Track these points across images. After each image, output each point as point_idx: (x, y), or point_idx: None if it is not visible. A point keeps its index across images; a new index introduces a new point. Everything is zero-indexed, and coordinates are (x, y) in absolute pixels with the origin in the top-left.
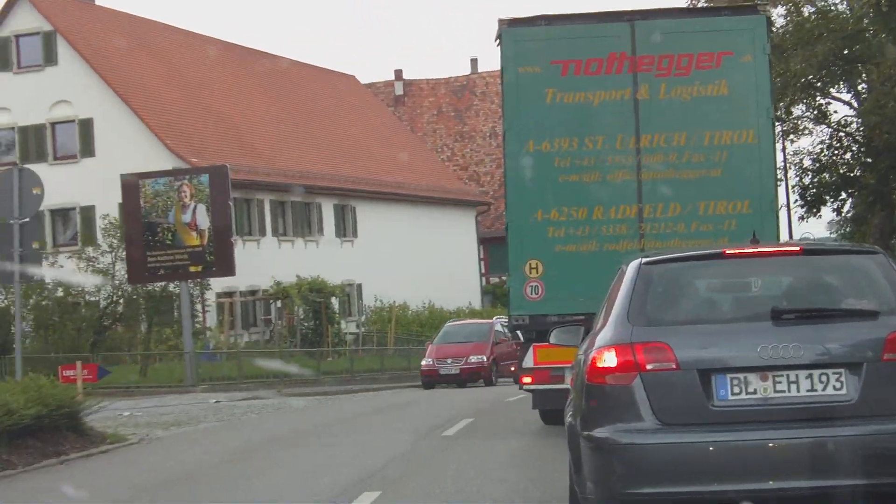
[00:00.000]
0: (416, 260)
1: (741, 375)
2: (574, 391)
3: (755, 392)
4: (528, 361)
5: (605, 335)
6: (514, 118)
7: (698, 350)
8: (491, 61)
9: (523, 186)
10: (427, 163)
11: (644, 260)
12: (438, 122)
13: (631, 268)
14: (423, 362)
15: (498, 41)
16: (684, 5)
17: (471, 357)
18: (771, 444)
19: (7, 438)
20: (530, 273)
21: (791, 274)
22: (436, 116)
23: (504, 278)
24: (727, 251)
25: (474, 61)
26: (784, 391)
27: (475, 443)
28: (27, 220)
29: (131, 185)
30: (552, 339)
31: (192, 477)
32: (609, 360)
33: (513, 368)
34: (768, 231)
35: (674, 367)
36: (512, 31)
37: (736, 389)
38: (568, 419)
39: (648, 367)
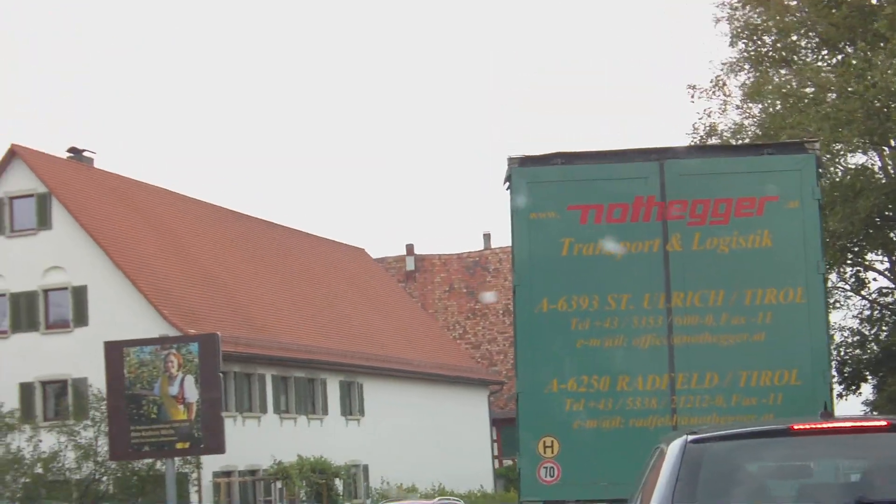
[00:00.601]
0: (425, 441)
1: None
2: None
3: None
4: None
5: None
6: (524, 272)
7: None
8: (504, 236)
9: (536, 352)
10: (438, 340)
11: (690, 438)
12: (450, 299)
13: (673, 448)
14: None
15: (507, 183)
16: (720, 143)
17: None
18: None
19: None
20: (545, 452)
21: (876, 456)
22: (447, 293)
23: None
24: (795, 426)
25: (487, 236)
26: None
27: None
28: None
29: (114, 354)
30: None
31: None
32: None
33: None
34: (821, 407)
35: None
36: (523, 170)
37: None
38: None
39: None
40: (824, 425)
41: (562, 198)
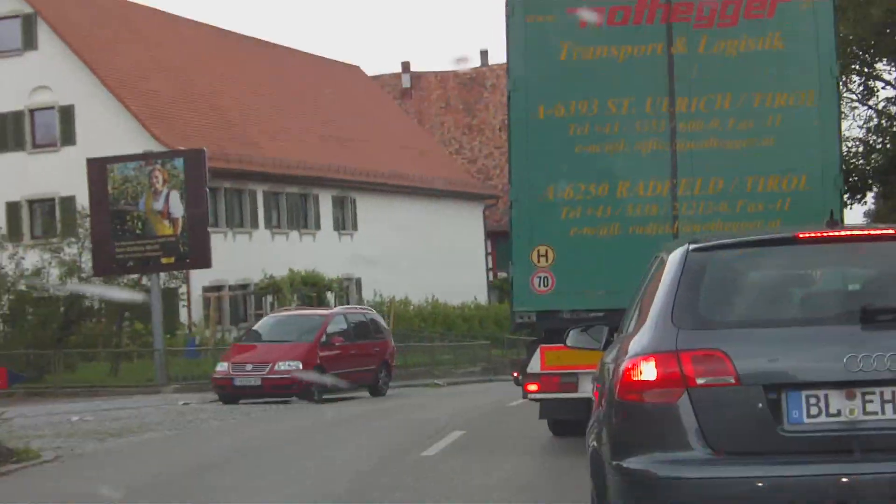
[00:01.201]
0: (419, 254)
1: (820, 393)
2: (599, 408)
3: (838, 414)
4: (535, 366)
5: (641, 340)
6: (520, 77)
7: (764, 360)
8: (502, 53)
9: (532, 158)
10: (434, 155)
11: (692, 246)
12: (446, 115)
13: (675, 256)
14: (218, 368)
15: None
16: None
17: (279, 363)
18: (858, 480)
19: None
20: (539, 261)
21: (884, 264)
22: (444, 109)
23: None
24: (801, 234)
25: (484, 53)
26: (876, 412)
27: (465, 465)
28: None
29: (98, 170)
30: (569, 342)
31: None
32: (647, 372)
33: (515, 374)
34: (828, 214)
35: (732, 381)
36: None
37: (813, 410)
38: (591, 443)
39: (699, 381)
40: (830, 233)
41: (560, 0)
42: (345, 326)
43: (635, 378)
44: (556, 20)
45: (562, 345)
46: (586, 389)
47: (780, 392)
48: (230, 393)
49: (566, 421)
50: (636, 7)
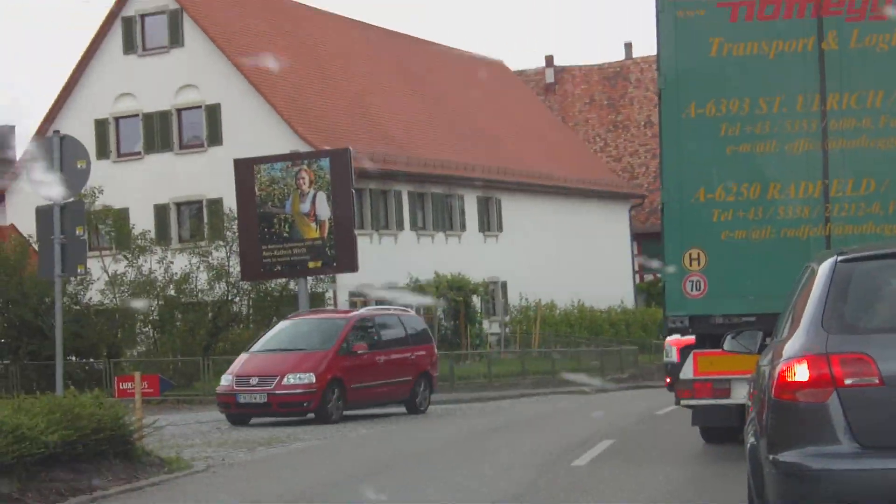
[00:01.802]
0: (565, 256)
1: None
2: (756, 408)
3: None
4: (688, 372)
5: (794, 344)
6: (671, 74)
7: None
8: (646, 46)
9: (683, 159)
10: (578, 154)
11: (840, 258)
12: (591, 112)
13: (824, 267)
14: (222, 381)
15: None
16: None
17: (288, 377)
18: None
19: (23, 471)
20: (691, 265)
21: None
22: (588, 105)
23: (659, 276)
24: None
25: (629, 46)
26: None
27: (615, 475)
28: (70, 200)
29: (245, 171)
30: (726, 346)
31: None
32: (800, 373)
33: (668, 379)
34: None
35: (877, 381)
36: None
37: None
38: (749, 440)
39: (847, 381)
40: None
41: None
42: (372, 331)
43: (790, 379)
44: (706, 14)
45: (715, 350)
46: (739, 396)
47: None
48: (235, 413)
49: (718, 428)
50: (786, 1)
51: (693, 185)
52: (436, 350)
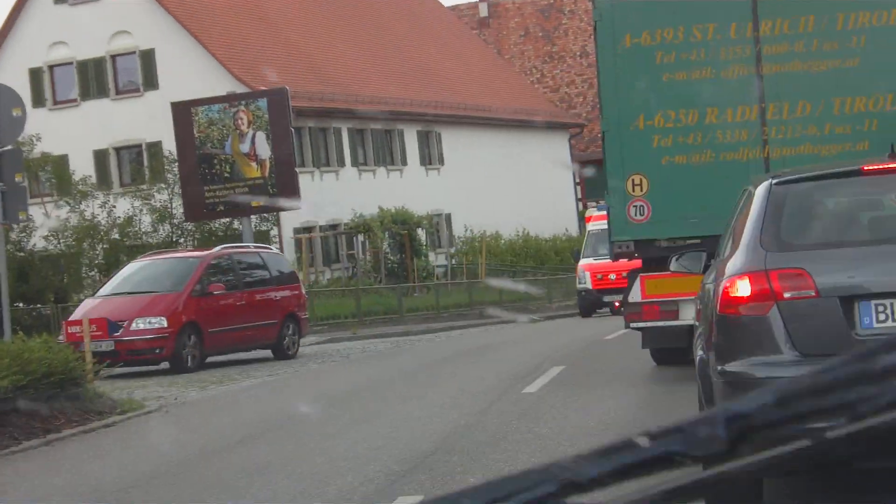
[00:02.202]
0: (508, 187)
1: (888, 301)
2: (703, 323)
3: None
4: (636, 295)
5: (735, 262)
6: (606, 8)
7: (839, 275)
8: None
9: (620, 88)
10: (516, 86)
11: (774, 181)
12: (526, 44)
13: (760, 189)
14: (68, 328)
15: None
16: None
17: (136, 321)
18: None
19: None
20: (633, 191)
21: None
22: (523, 38)
23: (601, 202)
24: (865, 167)
25: None
26: None
27: (566, 400)
28: (7, 148)
29: (182, 114)
30: (672, 267)
31: (190, 465)
32: (742, 288)
33: (616, 304)
34: None
35: (813, 294)
36: None
37: (882, 317)
38: (698, 353)
39: (786, 295)
40: (892, 165)
41: None
42: (230, 271)
43: (732, 295)
44: None
45: (661, 273)
46: (686, 317)
47: (853, 302)
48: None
49: (668, 349)
50: None
51: (632, 114)
52: (304, 290)
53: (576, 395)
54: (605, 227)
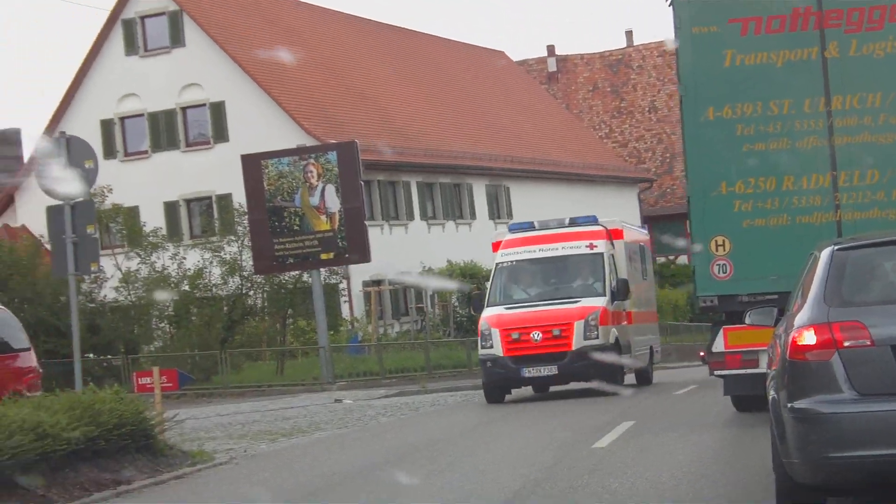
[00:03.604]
0: None
1: None
2: (775, 368)
3: None
4: (719, 345)
5: (803, 316)
6: (690, 83)
7: (890, 327)
8: (647, 33)
9: (704, 157)
10: (584, 140)
11: (836, 247)
12: (594, 99)
13: (824, 254)
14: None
15: (669, 0)
16: None
17: None
18: None
19: (46, 468)
20: (717, 251)
21: None
22: (591, 93)
23: (672, 258)
24: None
25: (629, 34)
26: None
27: (636, 455)
28: (79, 199)
29: (252, 166)
30: (747, 321)
31: None
32: (809, 338)
33: (701, 354)
34: None
35: (868, 343)
36: None
37: None
38: (771, 394)
39: (845, 343)
40: None
41: (722, 12)
42: None
43: (800, 343)
44: (719, 30)
45: (742, 325)
46: (765, 365)
47: None
48: None
49: (748, 396)
50: (791, 16)
51: (714, 180)
52: (34, 361)
53: (647, 449)
54: (530, 255)
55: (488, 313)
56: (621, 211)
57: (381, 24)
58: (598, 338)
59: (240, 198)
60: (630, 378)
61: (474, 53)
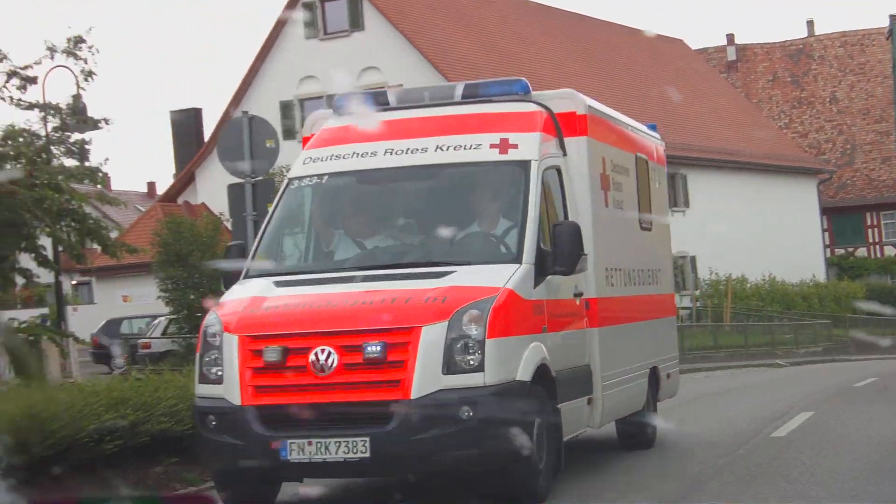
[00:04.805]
0: (753, 231)
1: None
2: None
3: None
4: None
5: None
6: None
7: None
8: (828, 23)
9: None
10: (763, 130)
11: None
12: (774, 89)
13: None
14: None
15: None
16: None
17: None
18: None
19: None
20: None
21: None
22: (771, 83)
23: (850, 250)
24: None
25: (811, 23)
26: None
27: (815, 446)
28: (260, 178)
29: None
30: None
31: None
32: None
33: None
34: None
35: None
36: None
37: None
38: None
39: None
40: None
41: None
42: None
43: None
44: None
45: None
46: None
47: None
48: None
49: None
50: None
51: None
52: None
53: (826, 440)
54: (360, 165)
55: (232, 296)
56: (799, 202)
57: (555, 9)
58: (479, 366)
59: None
60: (608, 430)
61: (652, 41)
